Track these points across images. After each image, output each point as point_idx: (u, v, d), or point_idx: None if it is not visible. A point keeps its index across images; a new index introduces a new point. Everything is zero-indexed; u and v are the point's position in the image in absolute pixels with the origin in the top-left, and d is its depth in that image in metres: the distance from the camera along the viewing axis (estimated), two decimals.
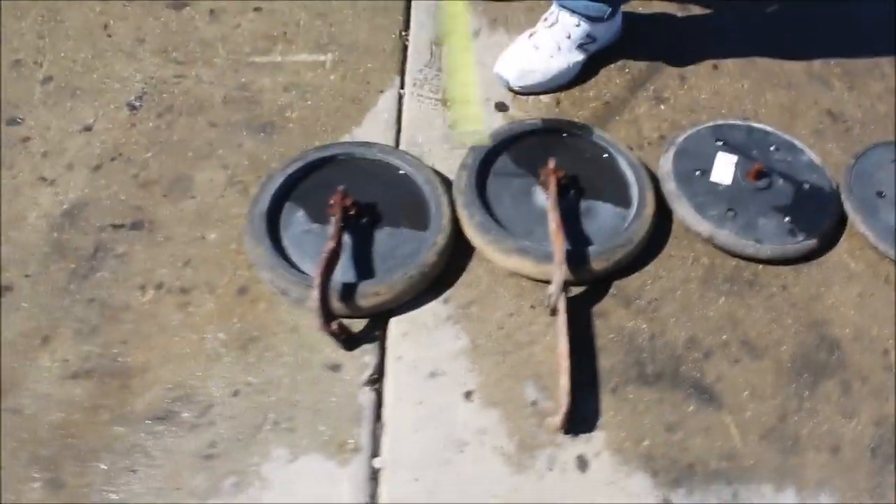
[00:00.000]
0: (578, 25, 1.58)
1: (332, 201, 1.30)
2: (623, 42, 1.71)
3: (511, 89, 1.60)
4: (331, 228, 1.28)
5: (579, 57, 1.61)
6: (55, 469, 1.13)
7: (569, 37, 1.59)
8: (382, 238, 1.32)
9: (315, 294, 1.17)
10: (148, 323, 1.27)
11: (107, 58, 1.66)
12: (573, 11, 1.57)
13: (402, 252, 1.30)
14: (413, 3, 1.79)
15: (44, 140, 1.51)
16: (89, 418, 1.18)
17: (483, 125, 1.20)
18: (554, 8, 1.61)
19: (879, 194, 1.42)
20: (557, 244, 1.24)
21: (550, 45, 1.58)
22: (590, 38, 1.60)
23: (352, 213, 1.30)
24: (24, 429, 1.16)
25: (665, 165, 1.45)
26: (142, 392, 1.20)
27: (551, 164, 1.35)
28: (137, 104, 1.57)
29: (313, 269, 1.27)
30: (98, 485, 1.11)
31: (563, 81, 1.61)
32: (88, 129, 1.53)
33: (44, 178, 1.46)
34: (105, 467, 1.13)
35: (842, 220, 1.43)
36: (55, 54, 1.67)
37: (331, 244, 1.23)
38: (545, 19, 1.62)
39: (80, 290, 1.31)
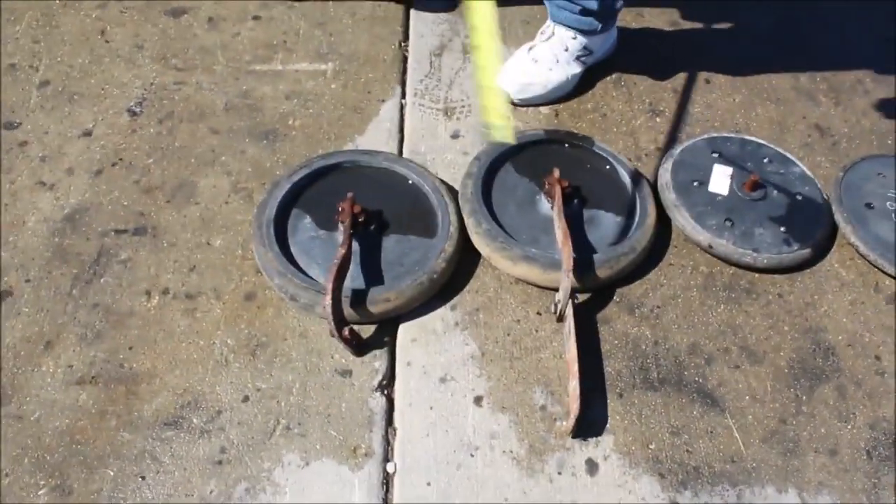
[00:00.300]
0: (575, 38, 1.61)
1: (341, 208, 1.31)
2: (618, 56, 1.75)
3: (512, 102, 1.62)
4: (341, 235, 1.29)
5: (577, 69, 1.64)
6: (62, 475, 1.11)
7: (566, 49, 1.62)
8: (390, 245, 1.33)
9: (328, 300, 1.18)
10: (154, 329, 1.27)
11: (105, 63, 1.65)
12: (567, 26, 1.61)
13: (410, 259, 1.31)
14: (412, 14, 1.81)
15: (42, 144, 1.50)
16: (96, 424, 1.16)
17: (508, 119, 1.17)
18: (549, 22, 1.64)
19: (868, 206, 1.47)
20: (565, 252, 1.26)
21: (549, 58, 1.61)
22: (586, 50, 1.64)
23: (360, 220, 1.31)
24: (28, 435, 1.15)
25: (664, 176, 1.48)
26: (149, 398, 1.19)
27: (556, 173, 1.38)
28: (138, 110, 1.56)
29: (322, 276, 1.28)
30: (107, 491, 1.10)
31: (562, 93, 1.64)
32: (88, 133, 1.52)
33: (43, 182, 1.44)
34: (113, 473, 1.12)
35: (833, 231, 1.47)
36: (51, 59, 1.65)
37: (342, 251, 1.23)
38: (542, 33, 1.65)
39: (83, 296, 1.30)
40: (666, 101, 1.68)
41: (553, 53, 1.62)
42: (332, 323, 1.18)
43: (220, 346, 1.25)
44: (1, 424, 1.15)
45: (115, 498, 1.09)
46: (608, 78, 1.71)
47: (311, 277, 1.27)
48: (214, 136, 1.53)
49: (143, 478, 1.11)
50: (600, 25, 1.60)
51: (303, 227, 1.34)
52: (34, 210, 1.40)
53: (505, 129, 1.19)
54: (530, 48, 1.64)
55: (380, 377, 1.23)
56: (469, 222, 1.35)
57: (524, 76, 1.61)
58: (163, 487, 1.11)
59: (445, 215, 1.36)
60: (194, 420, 1.17)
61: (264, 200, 1.35)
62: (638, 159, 1.56)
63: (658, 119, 1.64)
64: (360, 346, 1.24)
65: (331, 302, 1.18)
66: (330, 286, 1.19)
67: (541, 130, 1.52)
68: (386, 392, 1.22)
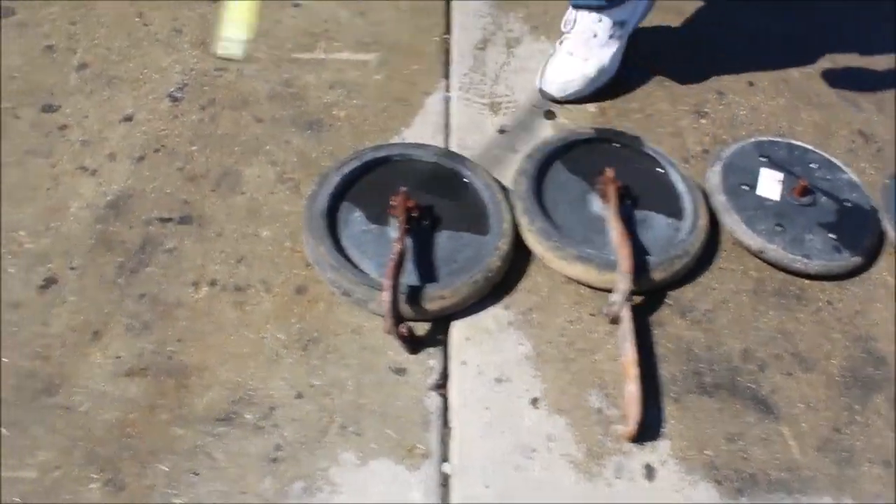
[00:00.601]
0: (600, 21, 1.56)
1: (394, 202, 1.29)
2: (660, 57, 1.73)
3: (558, 101, 1.60)
4: (393, 230, 1.27)
5: (613, 49, 1.59)
6: (114, 469, 1.09)
7: (595, 36, 1.57)
8: (442, 241, 1.31)
9: (386, 297, 1.16)
10: (203, 321, 1.24)
11: (143, 47, 1.62)
12: (588, 8, 1.56)
13: (463, 256, 1.29)
14: (454, 5, 1.79)
15: (82, 128, 1.47)
16: (147, 418, 1.14)
17: (245, 34, 1.05)
18: (570, 9, 1.59)
19: None
20: (623, 253, 1.25)
21: (581, 50, 1.58)
22: (618, 25, 1.58)
23: (414, 214, 1.29)
24: (78, 426, 1.13)
25: (713, 179, 1.47)
26: (200, 392, 1.17)
27: (610, 173, 1.36)
28: (179, 95, 1.53)
29: (374, 270, 1.25)
30: (160, 487, 1.08)
31: (607, 78, 1.61)
32: (129, 118, 1.49)
33: (85, 167, 1.41)
34: (167, 469, 1.09)
35: (881, 239, 1.46)
36: (89, 41, 1.62)
37: (398, 246, 1.21)
38: (566, 23, 1.61)
39: (129, 285, 1.27)
40: (710, 103, 1.67)
41: (583, 43, 1.57)
42: (390, 320, 1.17)
43: (272, 341, 1.23)
44: (48, 414, 1.13)
45: (168, 494, 1.07)
46: (651, 78, 1.69)
47: (363, 272, 1.25)
48: (258, 125, 1.50)
49: (196, 474, 1.09)
50: None
51: (353, 220, 1.32)
52: (76, 196, 1.37)
53: (237, 44, 1.09)
54: (561, 42, 1.61)
55: (435, 376, 1.21)
56: (523, 220, 1.33)
57: (561, 75, 1.58)
58: (217, 484, 1.09)
59: (498, 212, 1.34)
60: (247, 416, 1.15)
61: (314, 192, 1.33)
62: (685, 161, 1.54)
63: (703, 120, 1.63)
64: (415, 344, 1.22)
65: (389, 298, 1.16)
66: (388, 282, 1.17)
67: (590, 129, 1.50)
68: (441, 391, 1.20)
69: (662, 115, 1.62)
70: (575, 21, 1.59)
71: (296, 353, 1.21)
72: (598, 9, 1.56)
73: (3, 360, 1.18)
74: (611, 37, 1.59)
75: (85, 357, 1.19)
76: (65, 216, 1.34)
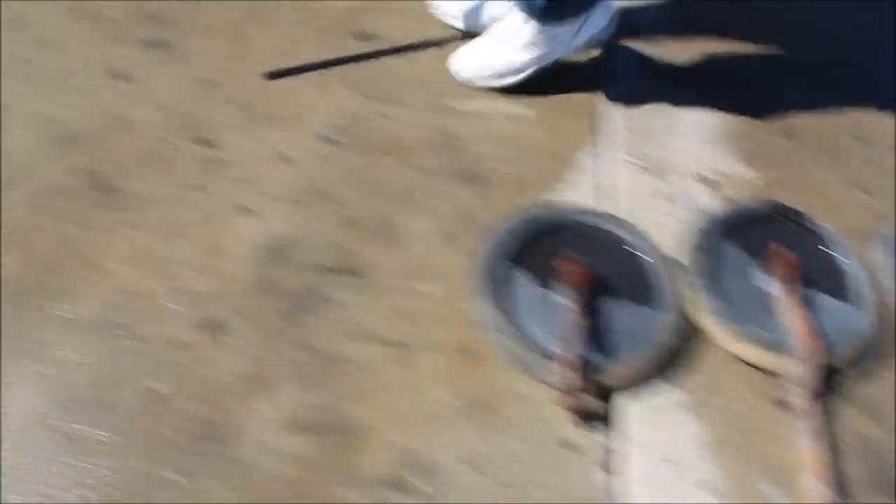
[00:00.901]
0: (527, 22, 1.55)
1: (566, 269, 1.26)
2: (819, 124, 1.68)
3: (467, 84, 1.63)
4: (566, 297, 1.25)
5: (531, 54, 1.58)
6: None
7: (514, 36, 1.57)
8: (611, 312, 1.28)
9: (567, 370, 1.13)
10: (366, 377, 1.23)
11: (299, 87, 1.63)
12: (522, 11, 1.55)
13: (631, 328, 1.26)
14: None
15: (240, 166, 1.48)
16: (314, 476, 1.13)
17: None
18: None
19: None
20: (808, 343, 1.21)
21: (498, 41, 1.60)
22: (548, 36, 1.56)
23: (585, 282, 1.26)
24: (243, 479, 1.12)
25: (878, 259, 1.42)
26: (368, 452, 1.15)
27: (784, 251, 1.32)
28: (336, 138, 1.53)
29: (543, 337, 1.23)
30: None
31: (515, 79, 1.61)
32: (285, 158, 1.49)
33: (243, 206, 1.41)
34: None
35: None
36: (245, 77, 1.63)
37: (575, 316, 1.19)
38: (500, 13, 1.63)
39: (292, 334, 1.26)
40: (869, 176, 1.61)
41: (502, 36, 1.59)
42: (566, 391, 1.14)
43: (437, 403, 1.21)
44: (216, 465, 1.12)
45: None
46: (811, 144, 1.64)
47: (532, 338, 1.23)
48: (415, 174, 1.49)
49: None
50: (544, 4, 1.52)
51: (521, 283, 1.30)
52: (236, 235, 1.37)
53: None
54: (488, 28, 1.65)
55: (603, 452, 1.18)
56: (692, 295, 1.30)
57: (467, 56, 1.63)
58: None
59: (666, 284, 1.31)
60: (415, 481, 1.13)
61: (481, 251, 1.31)
62: (847, 237, 1.49)
63: (862, 194, 1.58)
64: (586, 418, 1.19)
65: (570, 372, 1.13)
66: (568, 355, 1.15)
67: (754, 201, 1.47)
68: (609, 468, 1.16)
69: (821, 187, 1.57)
70: (505, 16, 1.60)
71: (462, 418, 1.19)
72: (531, 16, 1.55)
73: (172, 401, 1.18)
74: (533, 43, 1.58)
75: (250, 406, 1.18)
76: (225, 256, 1.34)
